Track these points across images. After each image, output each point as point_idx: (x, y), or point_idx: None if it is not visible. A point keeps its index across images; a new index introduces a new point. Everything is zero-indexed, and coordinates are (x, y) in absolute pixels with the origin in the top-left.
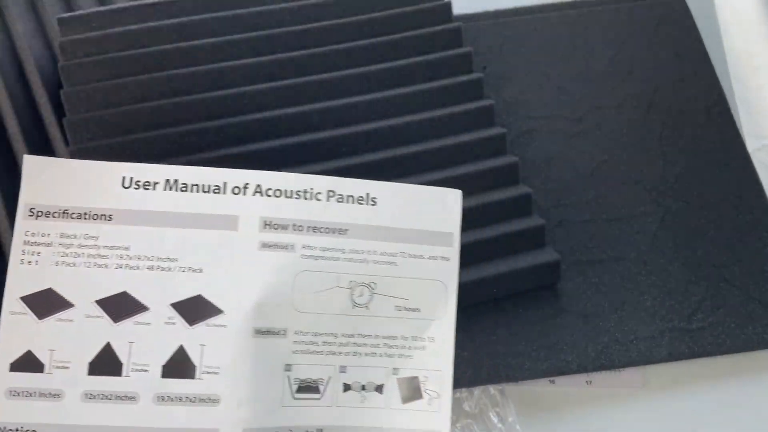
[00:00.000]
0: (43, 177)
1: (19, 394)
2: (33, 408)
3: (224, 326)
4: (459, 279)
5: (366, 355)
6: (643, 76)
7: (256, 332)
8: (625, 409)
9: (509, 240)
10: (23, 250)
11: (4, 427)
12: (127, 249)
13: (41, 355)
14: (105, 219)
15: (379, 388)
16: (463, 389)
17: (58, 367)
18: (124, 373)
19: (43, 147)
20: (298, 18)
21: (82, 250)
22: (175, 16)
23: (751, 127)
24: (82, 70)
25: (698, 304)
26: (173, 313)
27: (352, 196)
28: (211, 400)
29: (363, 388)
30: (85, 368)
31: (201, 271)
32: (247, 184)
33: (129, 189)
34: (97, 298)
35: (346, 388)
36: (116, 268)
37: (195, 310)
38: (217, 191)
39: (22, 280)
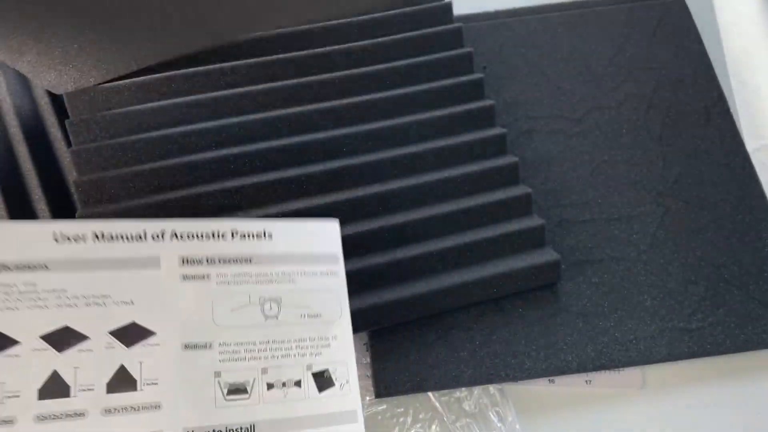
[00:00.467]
0: None
1: None
2: None
3: (158, 344)
4: (457, 279)
5: (282, 357)
6: (643, 76)
7: (186, 347)
8: (625, 409)
9: (509, 240)
10: None
11: None
12: (64, 291)
13: None
14: (41, 268)
15: (297, 383)
16: (463, 388)
17: (9, 397)
18: (72, 394)
19: (43, 147)
20: None
21: (23, 296)
22: None
23: (751, 127)
24: None
25: (698, 304)
26: (112, 339)
27: (251, 233)
28: (153, 407)
29: (284, 384)
30: (35, 394)
31: (132, 303)
32: (164, 231)
33: (60, 243)
34: (41, 334)
35: (270, 386)
36: (56, 308)
37: (131, 334)
38: (139, 239)
39: None
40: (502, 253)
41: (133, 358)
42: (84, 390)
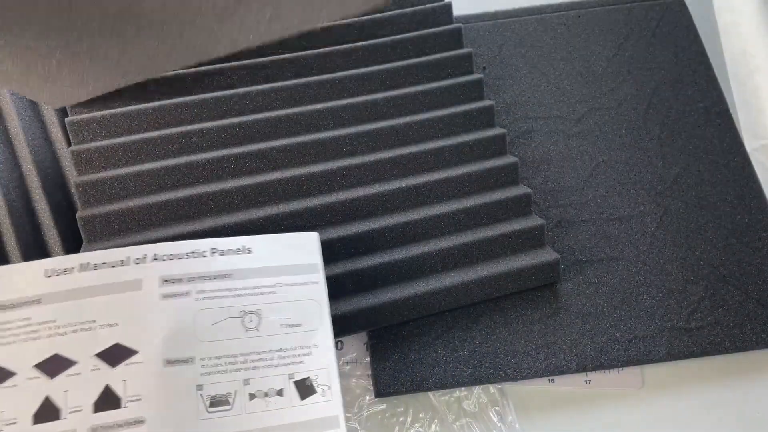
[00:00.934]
0: None
1: None
2: None
3: (140, 362)
4: (457, 279)
5: (264, 367)
6: (642, 76)
7: (167, 362)
8: (624, 409)
9: (509, 240)
10: None
11: None
12: (54, 321)
13: None
14: (35, 303)
15: (280, 392)
16: (463, 388)
17: (7, 424)
18: (62, 416)
19: (43, 147)
20: None
21: (19, 330)
22: None
23: (750, 127)
24: None
25: (697, 304)
26: (98, 361)
27: (231, 249)
28: (137, 422)
29: (266, 394)
30: (30, 420)
31: (117, 325)
32: (145, 255)
33: (51, 277)
34: (34, 363)
35: (252, 397)
36: (47, 338)
37: (115, 355)
38: (122, 264)
39: None
40: (502, 253)
41: (117, 377)
42: (73, 411)
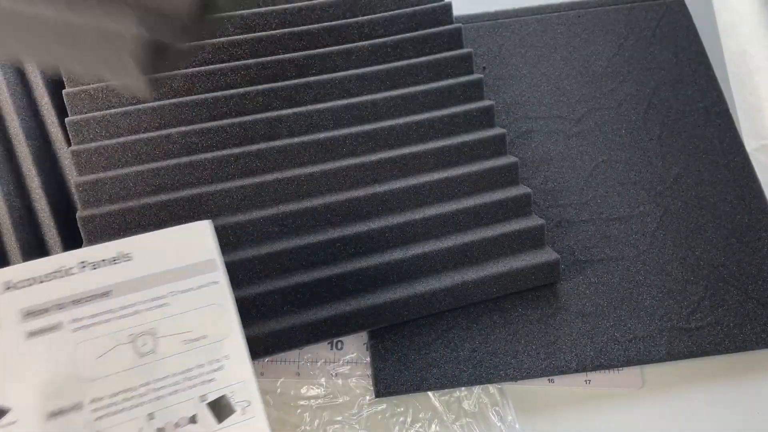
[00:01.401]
0: None
1: None
2: None
3: (15, 422)
4: (457, 279)
5: (169, 395)
6: (642, 76)
7: (50, 416)
8: (624, 409)
9: (509, 240)
10: None
11: None
12: None
13: None
14: None
15: (193, 419)
16: (463, 388)
17: None
18: None
19: (43, 147)
20: (299, 19)
21: None
22: None
23: (750, 127)
24: None
25: (697, 304)
26: None
27: (105, 260)
28: None
29: (176, 425)
30: None
31: None
32: None
33: None
34: None
35: (161, 431)
36: None
37: None
38: None
39: None
40: (502, 253)
41: None
42: None
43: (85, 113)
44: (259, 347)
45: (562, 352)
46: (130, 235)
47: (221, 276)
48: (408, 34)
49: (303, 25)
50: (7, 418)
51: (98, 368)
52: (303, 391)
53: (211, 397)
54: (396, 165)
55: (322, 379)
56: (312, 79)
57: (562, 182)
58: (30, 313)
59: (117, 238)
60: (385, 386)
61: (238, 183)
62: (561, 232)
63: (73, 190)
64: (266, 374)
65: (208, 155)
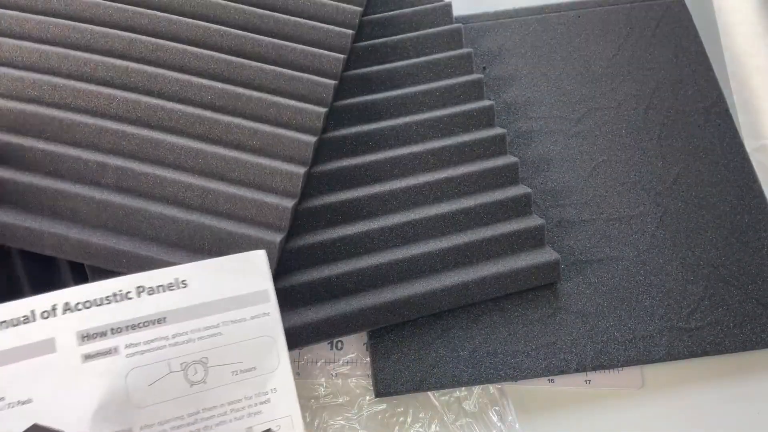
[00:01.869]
0: None
1: None
2: None
3: None
4: (457, 279)
5: (217, 425)
6: (642, 76)
7: None
8: (624, 409)
9: (509, 240)
10: None
11: None
12: None
13: None
14: None
15: None
16: (463, 388)
17: None
18: None
19: None
20: None
21: None
22: None
23: (750, 127)
24: None
25: (697, 304)
26: None
27: (161, 285)
28: None
29: None
30: None
31: (30, 401)
32: (54, 305)
33: None
34: None
35: None
36: None
37: None
38: (26, 321)
39: None
40: (502, 253)
41: None
42: None
43: None
44: None
45: (562, 352)
46: None
47: (273, 307)
48: (408, 34)
49: None
50: None
51: (149, 395)
52: (303, 391)
53: (257, 430)
54: (396, 165)
55: (322, 379)
56: None
57: (562, 182)
58: (87, 336)
59: None
60: (385, 386)
61: None
62: (561, 232)
63: None
64: None
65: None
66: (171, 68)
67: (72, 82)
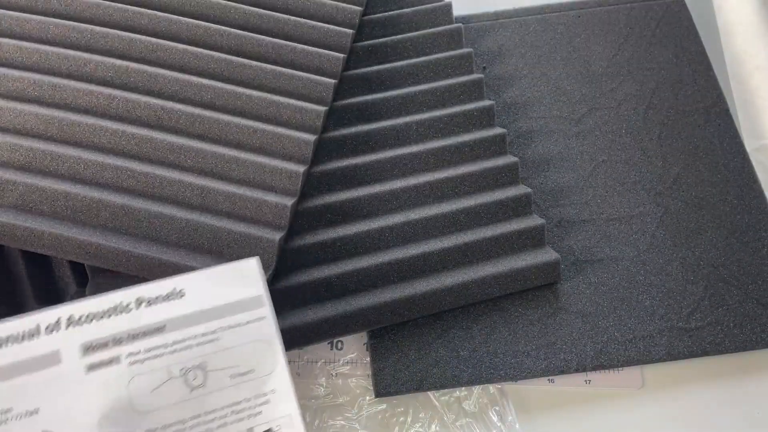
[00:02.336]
0: None
1: None
2: None
3: None
4: (457, 279)
5: (218, 427)
6: (642, 76)
7: None
8: (624, 409)
9: (509, 240)
10: None
11: None
12: None
13: None
14: None
15: None
16: (463, 388)
17: None
18: None
19: None
20: None
21: None
22: None
23: (750, 127)
24: None
25: (697, 304)
26: None
27: (160, 296)
28: None
29: None
30: None
31: (38, 411)
32: (59, 319)
33: None
34: None
35: None
36: None
37: None
38: (32, 336)
39: None
40: (502, 253)
41: None
42: None
43: None
44: None
45: (562, 352)
46: None
47: (268, 312)
48: (408, 34)
49: None
50: None
51: (152, 401)
52: (303, 391)
53: (259, 430)
54: (396, 165)
55: (322, 379)
56: None
57: (562, 182)
58: (90, 348)
59: None
60: (385, 386)
61: None
62: (561, 232)
63: None
64: None
65: None
66: (171, 68)
67: (72, 82)
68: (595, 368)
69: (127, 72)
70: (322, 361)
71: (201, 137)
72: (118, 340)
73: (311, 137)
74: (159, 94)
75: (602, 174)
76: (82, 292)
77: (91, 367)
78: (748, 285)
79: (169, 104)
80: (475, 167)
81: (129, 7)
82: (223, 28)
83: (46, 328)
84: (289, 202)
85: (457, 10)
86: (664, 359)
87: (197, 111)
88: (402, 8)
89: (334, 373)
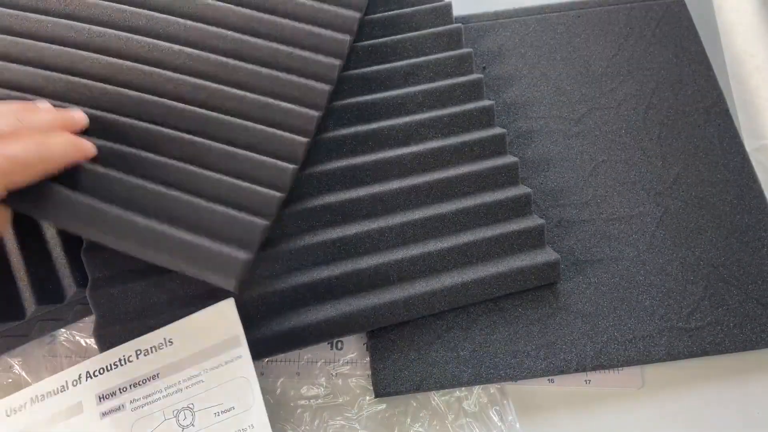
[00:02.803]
0: None
1: None
2: None
3: None
4: (457, 279)
5: None
6: (642, 76)
7: None
8: (624, 409)
9: (509, 240)
10: None
11: None
12: None
13: None
14: None
15: None
16: (463, 388)
17: None
18: None
19: None
20: None
21: None
22: None
23: (750, 127)
24: None
25: (696, 304)
26: None
27: (153, 347)
28: None
29: None
30: None
31: None
32: (80, 374)
33: (10, 416)
34: None
35: None
36: None
37: None
38: (62, 390)
39: None
40: (502, 253)
41: None
42: None
43: None
44: (260, 348)
45: (562, 352)
46: None
47: (244, 351)
48: (408, 34)
49: None
50: None
51: None
52: (303, 391)
53: None
54: (396, 165)
55: (322, 379)
56: None
57: (562, 182)
58: (102, 397)
59: None
60: (385, 386)
61: None
62: (561, 232)
63: None
64: (266, 374)
65: None
66: (166, 68)
67: (68, 77)
68: (595, 368)
69: (122, 69)
70: (322, 361)
71: (194, 134)
72: (123, 389)
73: (303, 139)
74: (153, 92)
75: (602, 174)
76: (82, 292)
77: (104, 414)
78: (748, 285)
79: (161, 99)
80: (474, 167)
81: (127, 7)
82: (221, 30)
83: (72, 382)
84: (277, 193)
85: (457, 10)
86: (664, 359)
87: (190, 109)
88: (402, 8)
89: (334, 373)
